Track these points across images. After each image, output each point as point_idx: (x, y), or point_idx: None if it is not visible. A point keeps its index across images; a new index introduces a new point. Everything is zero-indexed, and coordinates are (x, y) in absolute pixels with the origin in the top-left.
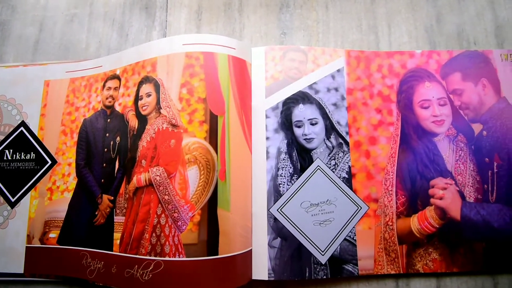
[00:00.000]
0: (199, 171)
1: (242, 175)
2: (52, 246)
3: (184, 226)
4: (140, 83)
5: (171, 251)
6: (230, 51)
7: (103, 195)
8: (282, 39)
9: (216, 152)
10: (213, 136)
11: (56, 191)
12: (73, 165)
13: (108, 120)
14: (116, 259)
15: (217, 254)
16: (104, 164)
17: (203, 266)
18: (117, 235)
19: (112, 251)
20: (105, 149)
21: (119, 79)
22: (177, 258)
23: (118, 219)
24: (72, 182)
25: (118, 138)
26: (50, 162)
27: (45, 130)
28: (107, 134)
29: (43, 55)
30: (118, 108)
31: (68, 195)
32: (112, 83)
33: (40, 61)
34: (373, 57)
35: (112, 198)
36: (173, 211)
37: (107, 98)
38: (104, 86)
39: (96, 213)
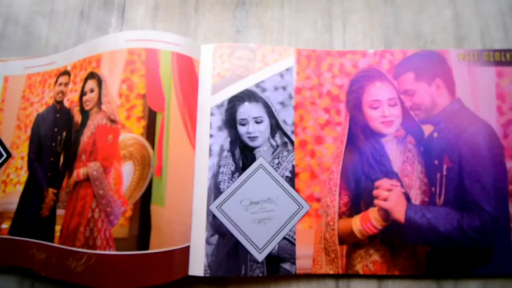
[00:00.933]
0: (134, 166)
1: (181, 172)
2: (4, 236)
3: (116, 220)
4: (86, 79)
5: (102, 245)
6: (174, 47)
7: (49, 188)
8: (237, 37)
9: (153, 148)
10: (150, 132)
11: (10, 183)
12: (26, 158)
13: (58, 115)
14: (56, 251)
15: (148, 249)
16: (52, 158)
17: (133, 260)
18: (58, 228)
19: (53, 242)
20: (53, 144)
21: (69, 75)
22: (107, 252)
23: (60, 212)
24: (24, 175)
25: (64, 133)
26: (5, 155)
27: (2, 125)
28: (56, 129)
29: (5, 51)
30: (66, 103)
31: (20, 188)
32: (63, 79)
33: (1, 57)
34: (325, 56)
35: (56, 191)
36: (106, 206)
37: (58, 94)
38: (56, 81)
39: (43, 205)
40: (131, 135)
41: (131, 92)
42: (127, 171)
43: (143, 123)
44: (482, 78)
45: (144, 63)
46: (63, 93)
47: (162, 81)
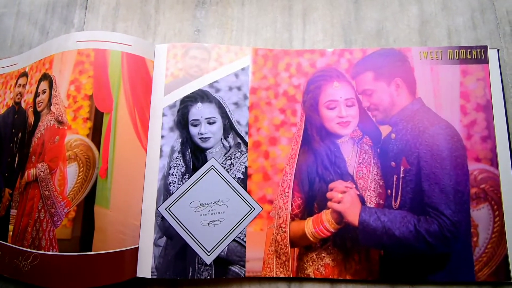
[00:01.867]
0: (79, 168)
1: (129, 173)
2: None
3: (59, 221)
4: (40, 80)
5: (46, 245)
6: (125, 48)
7: (6, 188)
8: (196, 37)
9: (99, 150)
10: (96, 133)
11: None
12: None
13: (16, 116)
14: (8, 250)
15: (91, 251)
16: (9, 159)
17: (75, 261)
18: (11, 227)
19: (7, 242)
20: (11, 144)
21: (27, 76)
22: (50, 252)
23: (13, 212)
24: None
25: (20, 134)
26: None
27: None
28: (13, 130)
29: None
30: (23, 104)
31: None
32: (22, 80)
33: None
34: (282, 55)
35: (11, 191)
36: (51, 207)
37: (17, 95)
38: (16, 83)
39: (0, 205)
40: (76, 136)
41: (78, 93)
42: (72, 172)
43: (89, 124)
44: (446, 77)
45: (93, 64)
46: (21, 95)
47: (111, 82)
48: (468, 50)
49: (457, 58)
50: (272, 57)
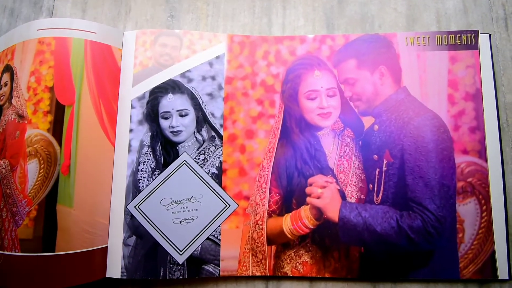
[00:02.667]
0: (39, 164)
1: (95, 170)
2: None
3: (21, 221)
4: (2, 72)
5: (9, 245)
6: (88, 35)
7: None
8: (169, 23)
9: (60, 145)
10: (57, 128)
11: None
12: None
13: None
14: None
15: (54, 251)
16: None
17: (38, 262)
18: None
19: None
20: None
21: None
22: (13, 253)
23: None
24: None
25: None
26: None
27: None
28: None
29: None
30: None
31: None
32: None
33: None
34: (260, 42)
35: None
36: (12, 205)
37: None
38: None
39: None
40: (37, 131)
41: (39, 85)
42: (32, 169)
43: (50, 118)
44: (433, 64)
45: (54, 53)
46: None
47: (73, 72)
48: (458, 35)
49: (446, 43)
50: (249, 44)
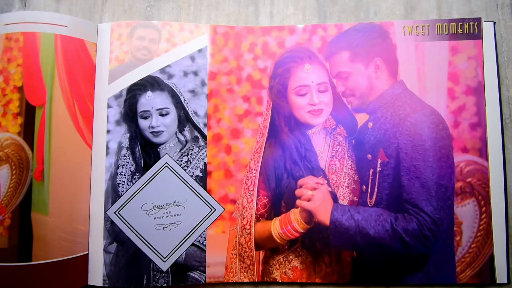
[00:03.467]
0: (11, 170)
1: (71, 174)
2: None
3: None
4: None
5: None
6: (59, 29)
7: None
8: (149, 13)
9: (32, 149)
10: (28, 131)
11: None
12: None
13: None
14: None
15: (30, 261)
16: None
17: (14, 272)
18: None
19: None
20: None
21: None
22: None
23: None
24: None
25: None
26: None
27: None
28: None
29: None
30: None
31: None
32: None
33: None
34: (246, 33)
35: None
36: None
37: None
38: None
39: None
40: (7, 134)
41: (7, 85)
42: (4, 175)
43: (20, 120)
44: (432, 56)
45: (22, 50)
46: None
47: (43, 70)
48: (460, 23)
49: (446, 33)
50: (234, 36)
